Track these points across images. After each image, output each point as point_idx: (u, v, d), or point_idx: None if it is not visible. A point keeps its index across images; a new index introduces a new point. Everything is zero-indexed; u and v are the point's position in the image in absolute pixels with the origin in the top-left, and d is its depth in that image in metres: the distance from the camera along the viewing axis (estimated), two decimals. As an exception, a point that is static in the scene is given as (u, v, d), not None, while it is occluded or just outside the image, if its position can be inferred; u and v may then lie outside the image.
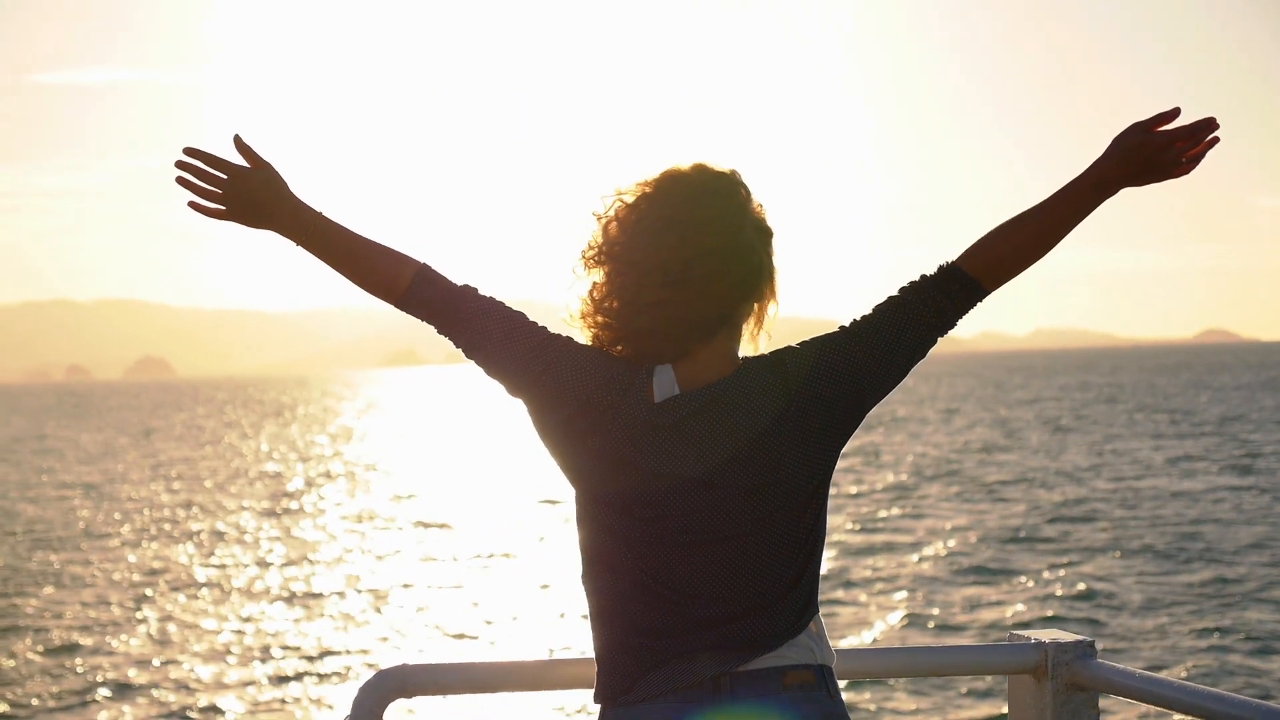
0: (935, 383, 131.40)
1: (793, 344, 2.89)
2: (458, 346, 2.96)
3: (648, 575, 2.80)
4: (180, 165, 2.90)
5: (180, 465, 53.88)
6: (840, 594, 20.53)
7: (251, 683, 16.35)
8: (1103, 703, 3.51)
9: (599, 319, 2.87)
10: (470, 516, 32.37)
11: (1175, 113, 2.79)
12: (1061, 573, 21.57)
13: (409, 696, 3.17)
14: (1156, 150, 2.79)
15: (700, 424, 2.79)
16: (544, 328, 2.95)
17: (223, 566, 25.85)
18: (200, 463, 55.27)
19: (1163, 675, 3.08)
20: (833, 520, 29.46)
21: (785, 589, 2.80)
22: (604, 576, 2.84)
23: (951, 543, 25.47)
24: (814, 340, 2.89)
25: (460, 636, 18.58)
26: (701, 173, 2.89)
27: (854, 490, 35.98)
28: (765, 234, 2.91)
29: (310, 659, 17.48)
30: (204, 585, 23.68)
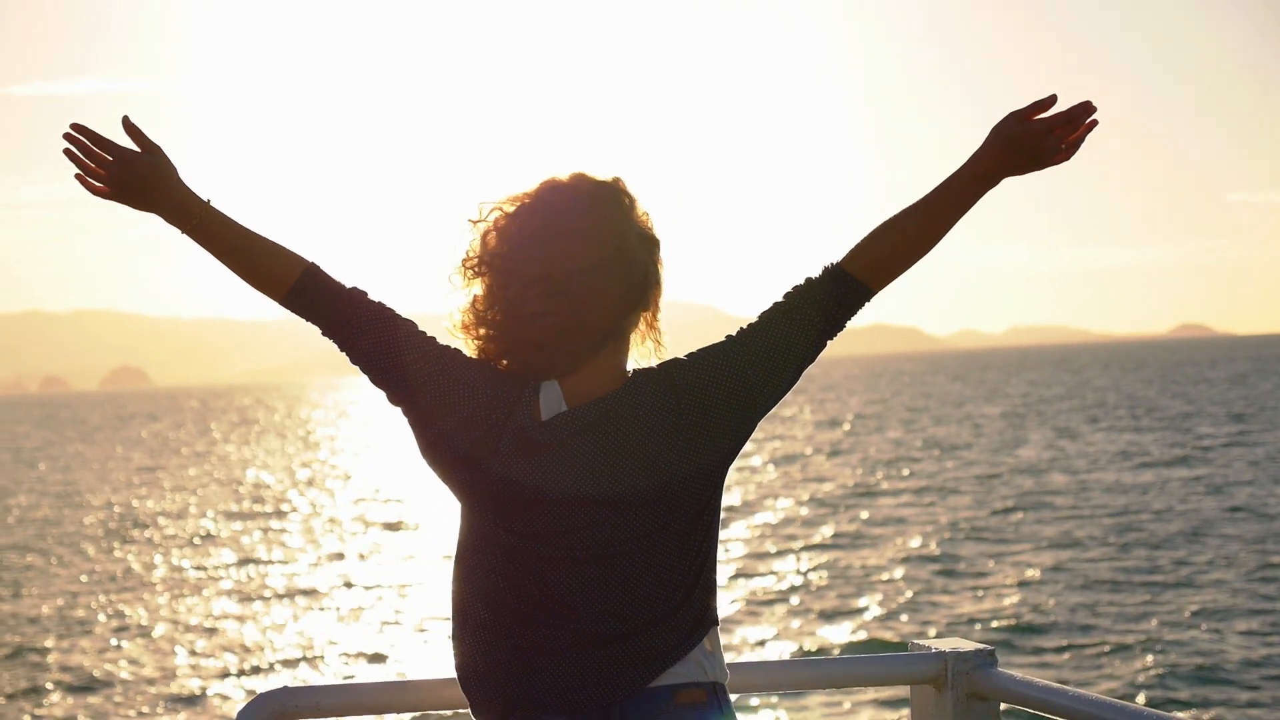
0: (907, 380, 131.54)
1: (680, 356, 2.85)
2: (342, 350, 2.91)
3: (532, 592, 2.74)
4: (67, 138, 2.86)
5: (143, 474, 54.03)
6: (746, 602, 20.39)
7: (133, 704, 16.06)
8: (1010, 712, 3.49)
9: (483, 331, 2.80)
10: (409, 532, 31.54)
11: (1052, 100, 2.76)
12: (989, 578, 21.79)
13: None
14: (1035, 138, 2.76)
15: (588, 440, 2.73)
16: (432, 338, 2.88)
17: (136, 583, 26.13)
18: (160, 471, 55.43)
19: (1067, 686, 3.06)
20: (746, 521, 29.85)
21: (676, 604, 2.75)
22: (483, 592, 2.77)
23: (882, 544, 25.84)
24: (701, 351, 2.83)
25: (368, 655, 18.08)
26: (582, 181, 2.83)
27: (779, 492, 36.19)
28: (651, 243, 2.86)
29: (202, 678, 17.17)
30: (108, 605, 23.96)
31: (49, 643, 19.52)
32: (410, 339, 2.85)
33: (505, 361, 2.80)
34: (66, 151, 2.87)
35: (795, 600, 20.21)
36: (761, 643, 17.49)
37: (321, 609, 21.71)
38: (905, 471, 39.57)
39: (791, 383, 2.85)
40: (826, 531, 27.45)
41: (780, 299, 2.85)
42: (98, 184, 2.87)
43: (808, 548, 25.48)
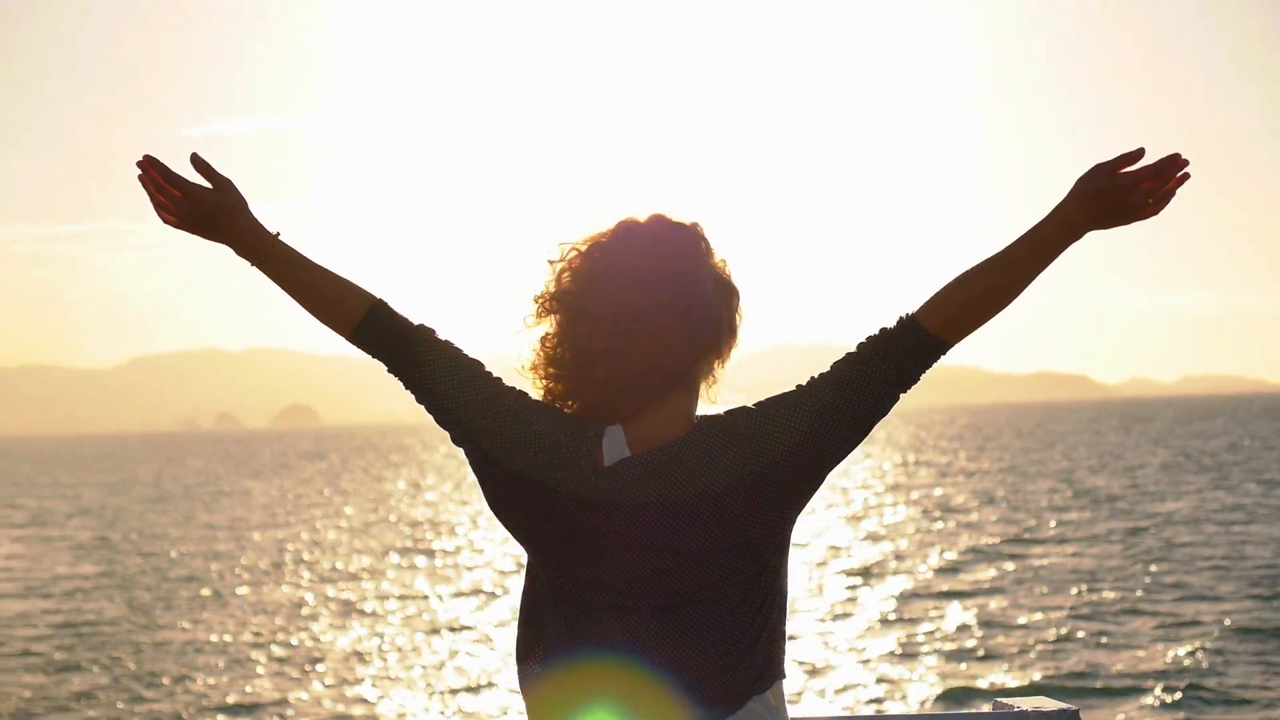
0: (1069, 428, 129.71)
1: (748, 404, 2.81)
2: (407, 388, 2.89)
3: (591, 639, 2.72)
4: (141, 166, 2.91)
5: (306, 510, 55.34)
6: (850, 649, 20.35)
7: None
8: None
9: (550, 370, 2.79)
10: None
11: (1140, 153, 2.71)
12: (1116, 630, 21.87)
13: None
14: (1123, 192, 2.71)
15: (649, 488, 2.70)
16: (498, 379, 2.87)
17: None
18: (320, 508, 56.71)
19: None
20: (863, 562, 29.97)
21: (738, 657, 2.70)
22: (544, 639, 2.77)
23: (1013, 592, 25.89)
24: (770, 401, 2.79)
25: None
26: (659, 224, 2.82)
27: (910, 537, 36.19)
28: (726, 289, 2.82)
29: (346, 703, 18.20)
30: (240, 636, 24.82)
31: (214, 672, 20.39)
32: (475, 379, 2.85)
33: (571, 403, 2.79)
34: (140, 179, 2.92)
35: (898, 649, 20.40)
36: (876, 693, 17.76)
37: (470, 647, 22.28)
38: (1051, 522, 39.39)
39: (862, 437, 2.80)
40: (952, 578, 27.54)
41: (853, 349, 2.80)
42: (169, 215, 2.92)
43: (928, 595, 25.53)
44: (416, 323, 2.90)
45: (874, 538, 36.41)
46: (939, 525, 39.60)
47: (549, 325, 2.80)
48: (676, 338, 2.73)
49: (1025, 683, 17.46)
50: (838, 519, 42.75)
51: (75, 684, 19.45)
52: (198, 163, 2.90)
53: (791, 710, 3.00)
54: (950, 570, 29.12)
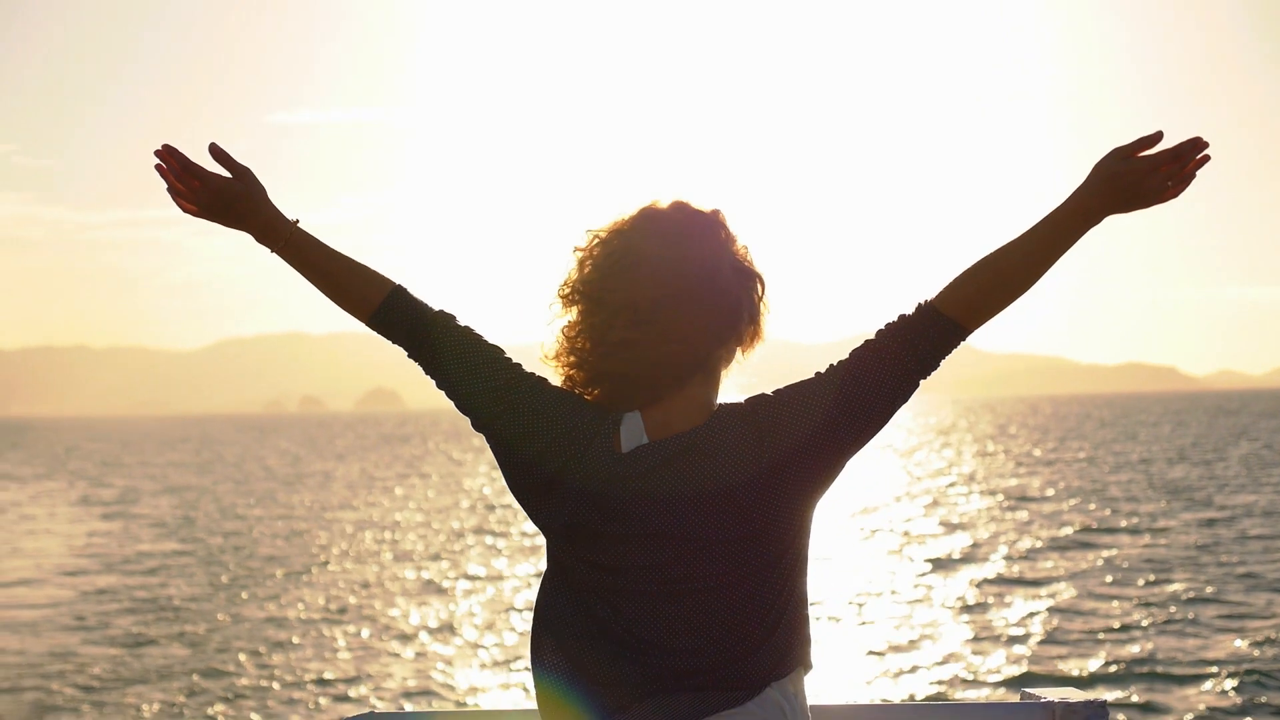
0: (1153, 420, 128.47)
1: (767, 392, 2.77)
2: (427, 373, 2.89)
3: (607, 626, 2.70)
4: (159, 155, 2.90)
5: (387, 492, 55.86)
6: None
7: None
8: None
9: (571, 359, 2.78)
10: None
11: (1158, 136, 2.69)
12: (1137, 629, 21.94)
13: None
14: (1140, 176, 2.68)
15: (667, 475, 2.68)
16: (518, 365, 2.87)
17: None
18: (400, 490, 57.21)
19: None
20: (923, 551, 29.99)
21: (754, 645, 2.68)
22: (560, 624, 2.76)
23: (1082, 580, 25.92)
24: (789, 388, 2.76)
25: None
26: (680, 211, 2.79)
27: (973, 525, 36.12)
28: (748, 277, 2.80)
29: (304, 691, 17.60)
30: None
31: (291, 648, 20.82)
32: (492, 366, 2.85)
33: (592, 390, 2.79)
34: (158, 168, 2.90)
35: (964, 637, 20.49)
36: (912, 669, 17.90)
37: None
38: (1125, 511, 39.22)
39: (882, 424, 2.76)
40: (1022, 567, 27.55)
41: (872, 336, 2.78)
42: (188, 204, 2.92)
43: (996, 583, 25.52)
44: (436, 309, 2.92)
45: (948, 526, 36.42)
46: (1013, 514, 39.53)
47: (572, 314, 2.80)
48: (694, 328, 2.71)
49: (1083, 673, 17.53)
50: (913, 507, 42.73)
51: (155, 657, 19.95)
52: (216, 152, 2.91)
53: (818, 699, 2.98)
54: (1020, 559, 29.13)
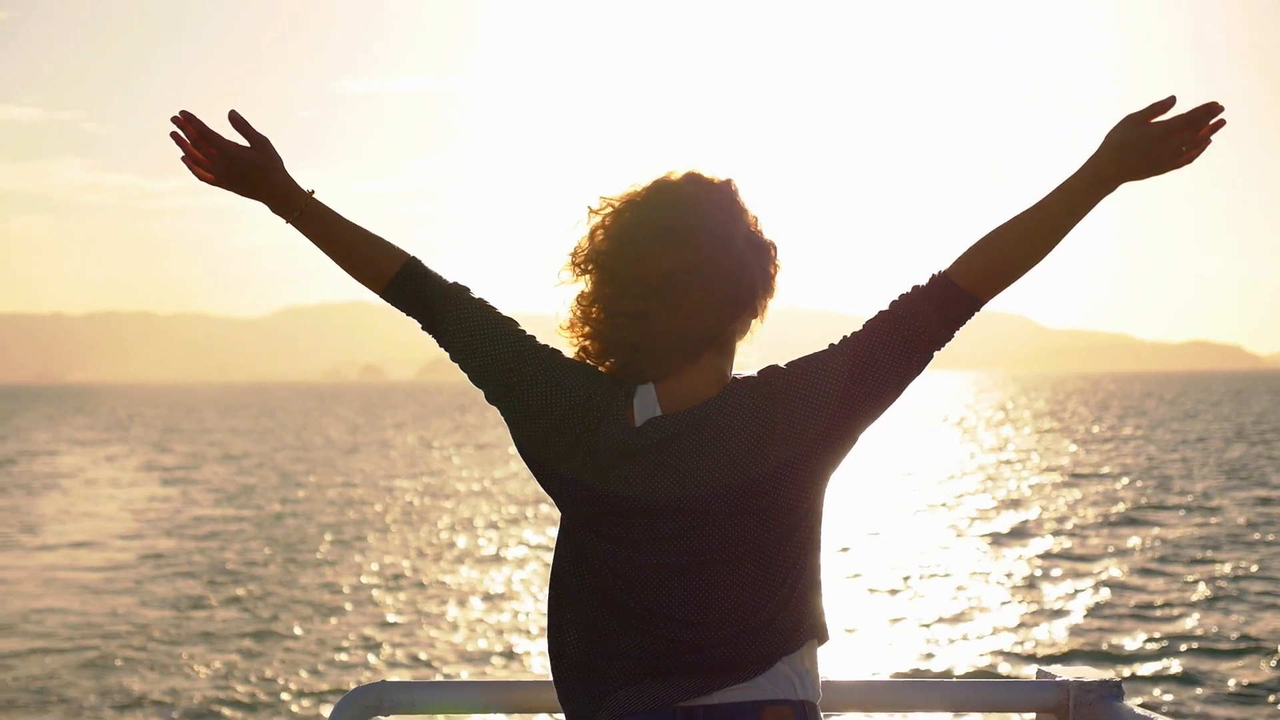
0: (1215, 399, 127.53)
1: (779, 364, 2.74)
2: (440, 345, 2.89)
3: (619, 597, 2.69)
4: (175, 122, 2.88)
5: (451, 461, 56.19)
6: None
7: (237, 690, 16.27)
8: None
9: (585, 329, 2.75)
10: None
11: (1171, 102, 2.65)
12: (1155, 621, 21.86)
13: (385, 715, 3.06)
14: (1154, 142, 2.65)
15: (679, 447, 2.66)
16: (532, 337, 2.85)
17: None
18: (455, 458, 57.54)
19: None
20: (956, 531, 30.04)
21: (766, 619, 2.67)
22: (574, 596, 2.75)
23: (1122, 558, 25.92)
24: (802, 360, 2.72)
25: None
26: (693, 182, 2.75)
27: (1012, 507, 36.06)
28: (761, 249, 2.77)
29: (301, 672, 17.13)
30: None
31: (344, 613, 21.18)
32: (508, 338, 2.83)
33: (606, 362, 2.76)
34: (173, 135, 2.88)
35: (1010, 611, 20.60)
36: (930, 656, 18.08)
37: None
38: (1178, 489, 39.13)
39: (896, 396, 2.73)
40: (1074, 542, 27.59)
41: (885, 307, 2.74)
42: (204, 172, 2.89)
43: (1046, 559, 25.55)
44: (450, 281, 2.90)
45: (1003, 502, 36.46)
46: (1067, 491, 39.53)
47: (585, 284, 2.76)
48: (706, 301, 2.68)
49: (1118, 650, 17.62)
50: (966, 483, 42.76)
51: (214, 620, 20.37)
52: (236, 120, 2.86)
53: (830, 674, 2.98)
54: (1072, 534, 29.18)
